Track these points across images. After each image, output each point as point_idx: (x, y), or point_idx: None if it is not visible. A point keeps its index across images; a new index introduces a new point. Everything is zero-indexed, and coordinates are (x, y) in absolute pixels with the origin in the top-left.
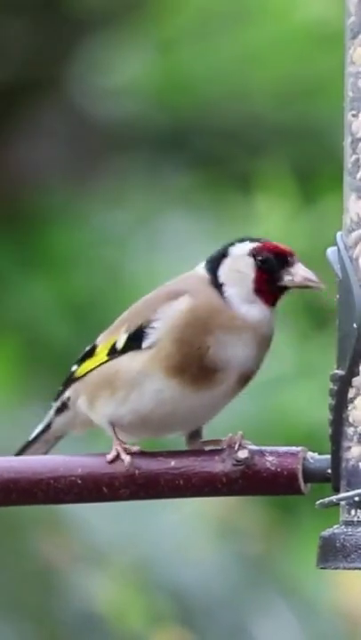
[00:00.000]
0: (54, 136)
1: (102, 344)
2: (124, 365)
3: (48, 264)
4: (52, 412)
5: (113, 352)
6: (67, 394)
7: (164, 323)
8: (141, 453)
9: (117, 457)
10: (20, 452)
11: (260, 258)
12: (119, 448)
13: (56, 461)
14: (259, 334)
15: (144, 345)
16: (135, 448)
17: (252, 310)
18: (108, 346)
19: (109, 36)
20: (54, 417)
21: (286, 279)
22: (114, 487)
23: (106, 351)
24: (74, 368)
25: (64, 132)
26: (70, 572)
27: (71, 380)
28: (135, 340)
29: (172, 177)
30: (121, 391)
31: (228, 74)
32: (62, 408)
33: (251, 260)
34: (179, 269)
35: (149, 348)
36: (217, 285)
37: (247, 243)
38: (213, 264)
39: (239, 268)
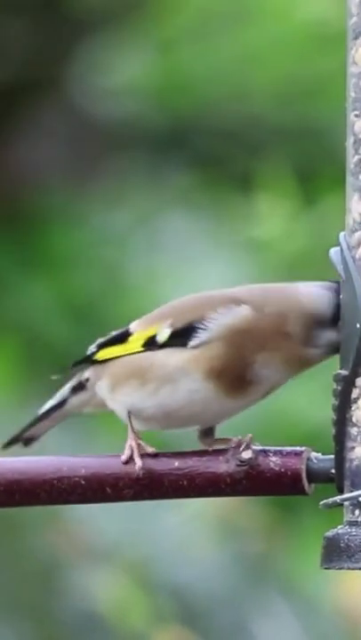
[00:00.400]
0: (54, 136)
1: (138, 333)
2: (161, 360)
3: (48, 264)
4: (66, 389)
5: (151, 344)
6: (86, 374)
7: (220, 325)
8: (152, 455)
9: (131, 457)
10: (28, 428)
11: None
12: (134, 445)
13: (59, 462)
14: (303, 369)
15: (191, 343)
16: (150, 449)
17: (324, 353)
18: (146, 337)
19: (109, 35)
20: (70, 395)
21: None
22: (118, 488)
23: (142, 342)
24: (92, 350)
25: (64, 132)
26: (71, 571)
27: (90, 361)
28: (180, 337)
29: (172, 177)
30: (151, 384)
31: (229, 74)
32: (79, 388)
33: None
34: (178, 269)
35: (195, 347)
36: (322, 323)
37: None
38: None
39: None
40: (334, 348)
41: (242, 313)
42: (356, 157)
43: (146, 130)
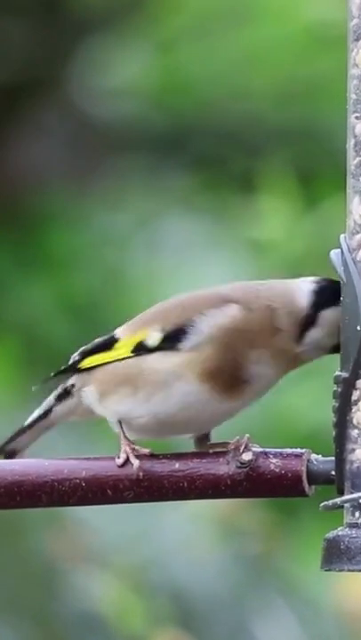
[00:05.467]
0: (54, 136)
1: (125, 339)
2: (152, 365)
3: (48, 264)
4: (51, 398)
5: (140, 349)
6: (71, 381)
7: (210, 326)
8: (148, 456)
9: (127, 460)
10: (14, 438)
11: None
12: (128, 450)
13: (60, 464)
14: (293, 367)
15: (183, 346)
16: (145, 450)
17: (314, 353)
18: (134, 342)
19: (109, 36)
20: (55, 404)
21: None
22: (118, 489)
23: (130, 347)
24: (76, 357)
25: (64, 133)
26: (71, 573)
27: (74, 369)
28: (170, 341)
29: (172, 178)
30: (143, 391)
31: (229, 75)
32: (64, 395)
33: None
34: (178, 270)
35: (187, 350)
36: (307, 322)
37: None
38: (322, 302)
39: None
40: (324, 348)
41: (231, 312)
42: (357, 159)
43: (146, 131)
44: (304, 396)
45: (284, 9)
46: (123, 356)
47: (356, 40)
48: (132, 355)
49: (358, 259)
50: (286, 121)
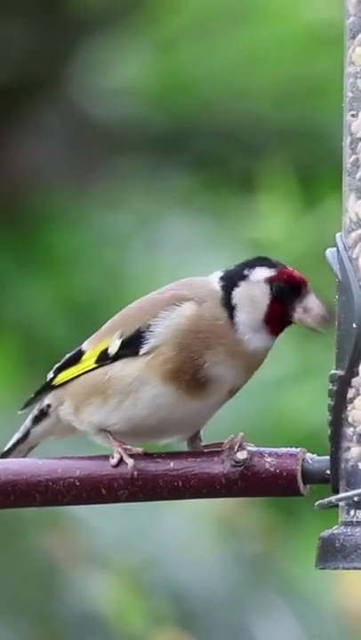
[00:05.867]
0: (54, 136)
1: (90, 351)
2: (117, 372)
3: (48, 265)
4: (28, 421)
5: (104, 359)
6: (46, 401)
7: (166, 327)
8: (142, 455)
9: (121, 460)
10: None
11: (275, 287)
12: (121, 450)
13: (54, 463)
14: (255, 361)
15: (141, 351)
16: (138, 450)
17: (256, 339)
18: (98, 352)
19: (109, 36)
20: (31, 426)
21: (297, 315)
22: (112, 489)
23: (94, 358)
24: (50, 376)
25: (64, 133)
26: (70, 573)
27: (49, 387)
28: (130, 346)
29: (172, 178)
30: (113, 399)
31: (229, 74)
32: (41, 416)
33: (267, 289)
34: (178, 270)
35: (147, 353)
36: (227, 305)
37: (265, 269)
38: (229, 282)
39: (254, 295)
40: (259, 330)
41: (184, 312)
42: (353, 157)
43: (146, 131)
44: (304, 396)
45: (284, 9)
46: (90, 368)
47: (353, 38)
48: (96, 365)
49: (354, 256)
50: (286, 121)
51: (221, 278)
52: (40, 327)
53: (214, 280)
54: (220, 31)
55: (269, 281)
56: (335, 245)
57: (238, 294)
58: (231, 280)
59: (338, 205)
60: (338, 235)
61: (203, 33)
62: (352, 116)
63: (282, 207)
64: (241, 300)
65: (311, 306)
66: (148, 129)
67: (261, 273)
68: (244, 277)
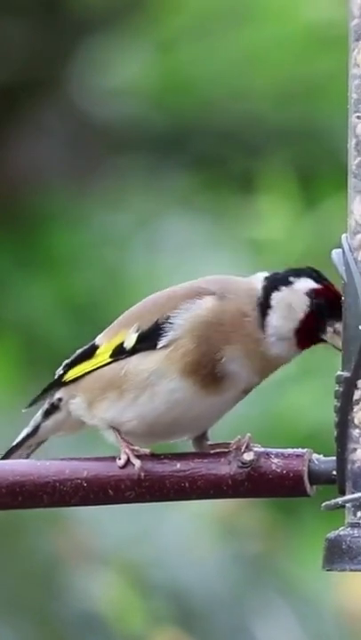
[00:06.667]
0: (54, 136)
1: (105, 345)
2: (134, 366)
3: (48, 265)
4: (38, 415)
5: (119, 353)
6: (57, 395)
7: (185, 319)
8: (149, 456)
9: (128, 461)
10: (4, 458)
11: (316, 302)
12: (128, 451)
13: (62, 464)
14: (272, 366)
15: (160, 344)
16: (145, 451)
17: (280, 345)
18: (113, 346)
19: (109, 36)
20: (42, 420)
21: (329, 335)
22: (120, 490)
23: (109, 352)
24: (60, 372)
25: (64, 133)
26: (72, 573)
27: (59, 383)
28: (147, 340)
29: (172, 178)
30: (129, 394)
31: (229, 74)
32: (52, 410)
33: (307, 301)
34: (178, 270)
35: (165, 347)
36: (262, 305)
37: (311, 280)
38: (271, 284)
39: (293, 302)
40: (287, 338)
41: (205, 305)
42: (358, 159)
43: (146, 131)
44: (305, 396)
45: (284, 9)
46: (104, 362)
47: (357, 40)
48: (112, 359)
49: (360, 258)
50: (286, 121)
51: (266, 279)
52: (40, 327)
53: (257, 279)
54: (220, 31)
55: (312, 293)
56: (340, 247)
57: (277, 298)
58: (274, 283)
59: (339, 206)
60: (343, 236)
61: (203, 33)
62: (357, 117)
63: (282, 207)
64: (278, 304)
65: (341, 329)
66: (148, 129)
67: (306, 284)
68: (287, 283)
